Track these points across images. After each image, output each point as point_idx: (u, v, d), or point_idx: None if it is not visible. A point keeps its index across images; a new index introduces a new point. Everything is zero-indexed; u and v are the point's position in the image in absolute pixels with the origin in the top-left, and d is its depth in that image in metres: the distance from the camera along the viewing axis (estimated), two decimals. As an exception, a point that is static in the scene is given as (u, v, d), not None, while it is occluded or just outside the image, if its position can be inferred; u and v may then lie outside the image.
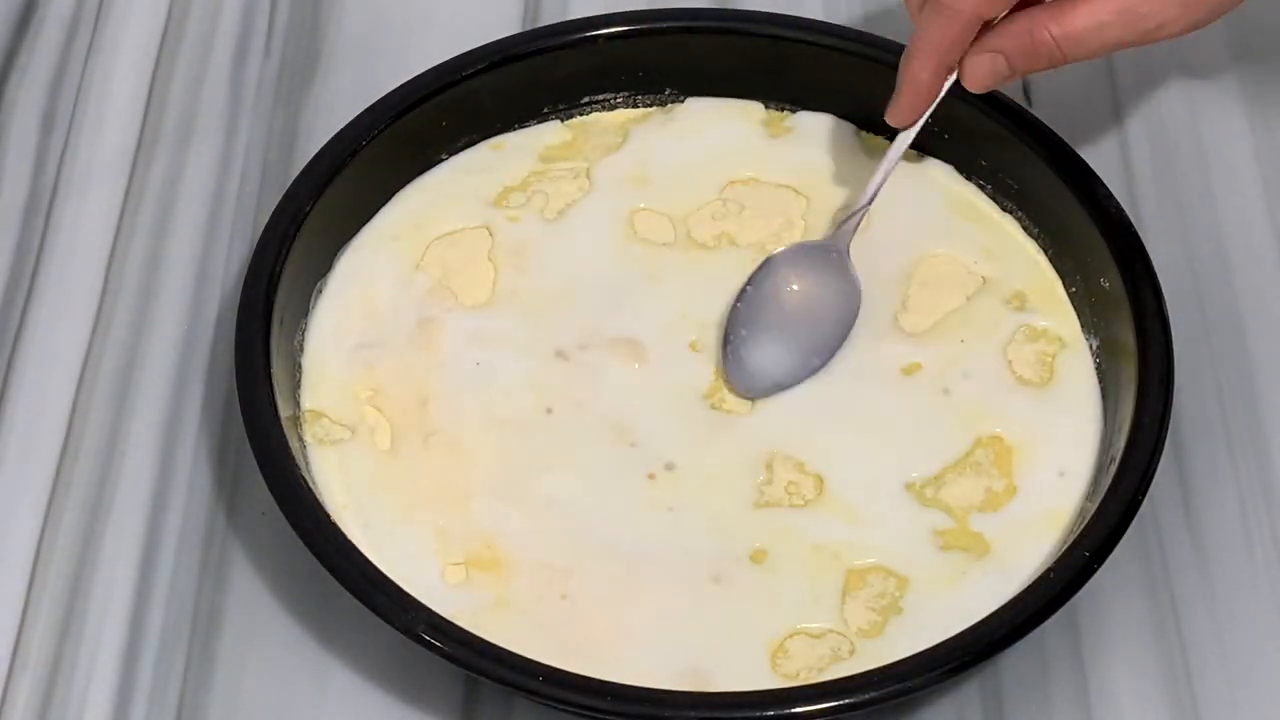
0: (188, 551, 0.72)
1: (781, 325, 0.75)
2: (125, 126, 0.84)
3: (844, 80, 0.80)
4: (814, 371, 0.74)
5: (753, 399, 0.74)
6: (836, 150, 0.80)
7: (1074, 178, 0.75)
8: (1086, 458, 0.72)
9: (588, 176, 0.80)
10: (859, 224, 0.76)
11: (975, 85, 0.74)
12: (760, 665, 0.68)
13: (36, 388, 0.76)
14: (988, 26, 0.73)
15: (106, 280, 0.79)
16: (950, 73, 0.74)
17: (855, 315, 0.75)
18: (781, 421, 0.73)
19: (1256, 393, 0.76)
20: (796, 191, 0.80)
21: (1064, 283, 0.77)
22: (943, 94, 0.74)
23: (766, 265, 0.76)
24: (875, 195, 0.75)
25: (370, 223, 0.78)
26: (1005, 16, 0.72)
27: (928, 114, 0.75)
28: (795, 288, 0.76)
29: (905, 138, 0.75)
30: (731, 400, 0.74)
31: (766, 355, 0.74)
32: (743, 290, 0.76)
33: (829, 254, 0.76)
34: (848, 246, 0.76)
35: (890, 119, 0.75)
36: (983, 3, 0.71)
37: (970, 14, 0.72)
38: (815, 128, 0.81)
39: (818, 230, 0.78)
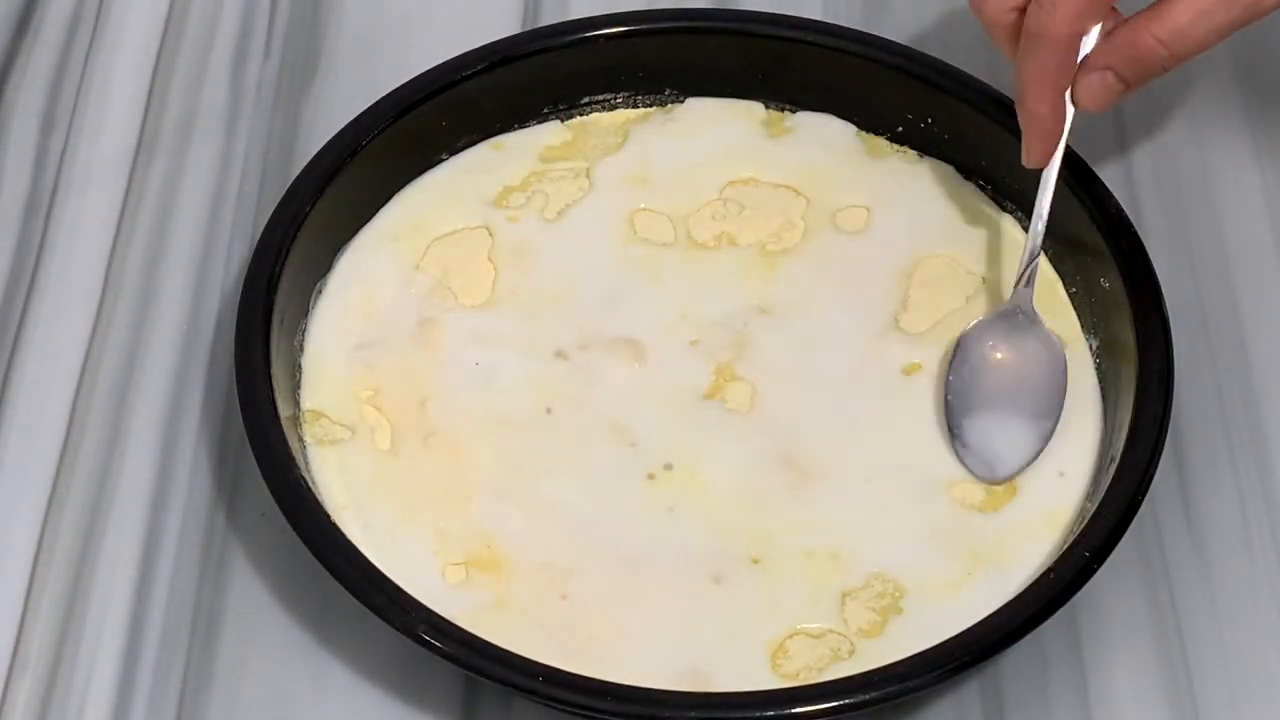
0: (188, 551, 0.72)
1: (1000, 402, 0.73)
2: (125, 126, 0.84)
3: (844, 80, 0.80)
4: (1049, 436, 0.72)
5: (1002, 483, 0.72)
6: (836, 150, 0.80)
7: (1074, 178, 0.75)
8: (1086, 458, 0.72)
9: (588, 176, 0.80)
10: (1032, 276, 0.74)
11: (1093, 107, 0.71)
12: (760, 665, 0.68)
13: (36, 388, 0.76)
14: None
15: (106, 280, 0.79)
16: (1066, 100, 0.72)
17: (1065, 368, 0.73)
18: (781, 422, 0.73)
19: (1256, 393, 0.76)
20: (796, 191, 0.79)
21: (1064, 283, 0.77)
22: (1069, 123, 0.72)
23: (961, 347, 0.74)
24: (1039, 245, 0.73)
25: (370, 223, 0.78)
26: (1108, 33, 0.71)
27: (1062, 146, 0.73)
28: (1000, 358, 0.74)
29: (1049, 174, 0.73)
30: (732, 400, 0.74)
31: (998, 436, 0.72)
32: (947, 381, 0.74)
33: (1016, 318, 0.74)
34: (1031, 304, 0.74)
35: (1027, 162, 0.73)
36: (1074, 19, 0.69)
37: (1066, 35, 0.70)
38: (815, 128, 0.81)
39: (816, 230, 0.78)
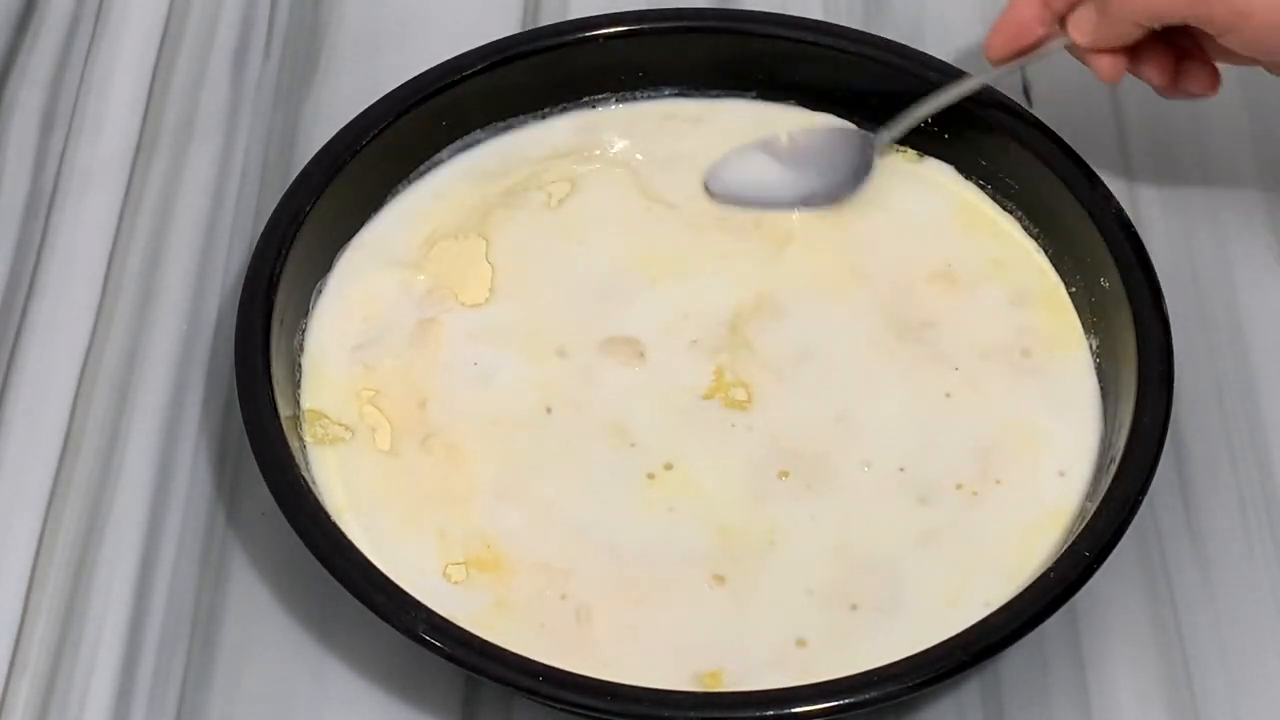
0: (188, 551, 0.72)
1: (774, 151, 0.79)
2: (125, 126, 0.84)
3: (844, 80, 0.80)
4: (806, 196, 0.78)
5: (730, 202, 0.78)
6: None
7: (1074, 178, 0.75)
8: (1086, 458, 0.72)
9: (587, 177, 0.80)
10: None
11: (1078, 37, 0.72)
12: (760, 664, 0.68)
13: (36, 387, 0.76)
14: None
15: (106, 280, 0.79)
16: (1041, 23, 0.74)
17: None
18: (781, 421, 0.73)
19: (1256, 392, 0.76)
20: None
21: (1064, 283, 0.77)
22: (1041, 49, 0.74)
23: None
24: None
25: (370, 223, 0.78)
26: None
27: (1015, 67, 0.75)
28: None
29: (985, 76, 0.76)
30: (732, 400, 0.74)
31: (750, 169, 0.78)
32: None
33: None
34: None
35: (986, 52, 0.75)
36: None
37: None
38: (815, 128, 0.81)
39: (817, 230, 0.78)
